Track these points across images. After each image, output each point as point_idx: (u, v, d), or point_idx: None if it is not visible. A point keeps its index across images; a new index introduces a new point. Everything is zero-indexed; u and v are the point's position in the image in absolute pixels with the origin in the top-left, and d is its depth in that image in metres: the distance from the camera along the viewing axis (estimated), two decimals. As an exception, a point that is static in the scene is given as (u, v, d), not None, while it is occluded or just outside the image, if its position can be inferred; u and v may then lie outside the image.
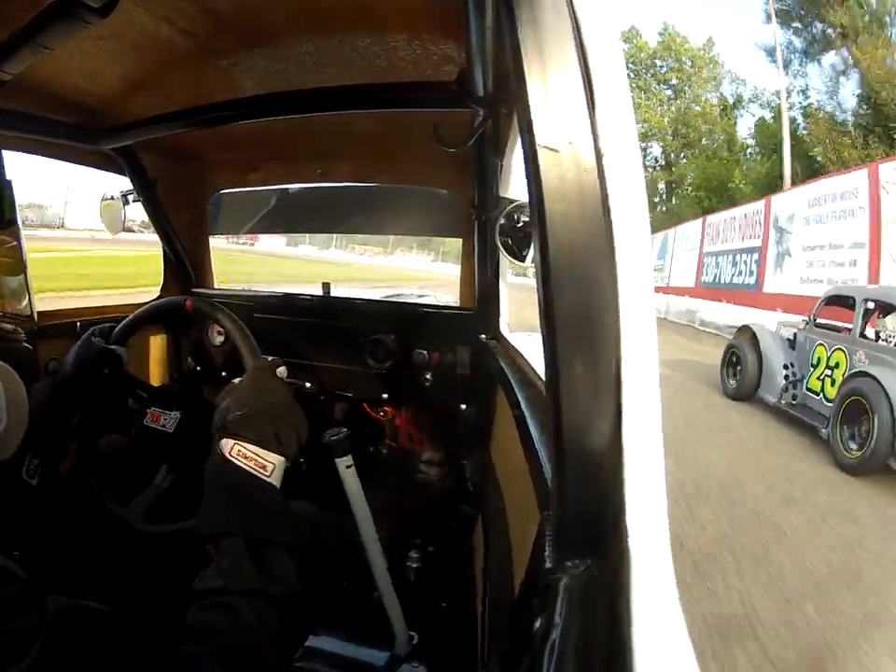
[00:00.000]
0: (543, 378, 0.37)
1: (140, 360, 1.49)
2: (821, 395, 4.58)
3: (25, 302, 1.25)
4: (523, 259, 1.04)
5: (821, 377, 4.61)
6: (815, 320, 4.99)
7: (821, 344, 4.71)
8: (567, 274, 0.33)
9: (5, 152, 1.19)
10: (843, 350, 4.43)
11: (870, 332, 4.41)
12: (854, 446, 3.92)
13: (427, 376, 1.43)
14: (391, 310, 1.71)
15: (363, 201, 1.74)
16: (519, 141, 0.36)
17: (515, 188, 1.19)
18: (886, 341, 4.21)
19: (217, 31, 0.81)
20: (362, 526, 1.08)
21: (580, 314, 0.34)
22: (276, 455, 0.67)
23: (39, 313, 1.29)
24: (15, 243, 1.24)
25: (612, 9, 0.32)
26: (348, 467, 1.06)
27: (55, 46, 0.75)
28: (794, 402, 4.91)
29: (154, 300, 1.30)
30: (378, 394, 1.48)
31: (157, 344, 1.59)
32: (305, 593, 0.66)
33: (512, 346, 1.23)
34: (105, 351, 1.04)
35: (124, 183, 1.43)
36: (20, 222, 1.25)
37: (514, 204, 1.05)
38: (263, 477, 0.65)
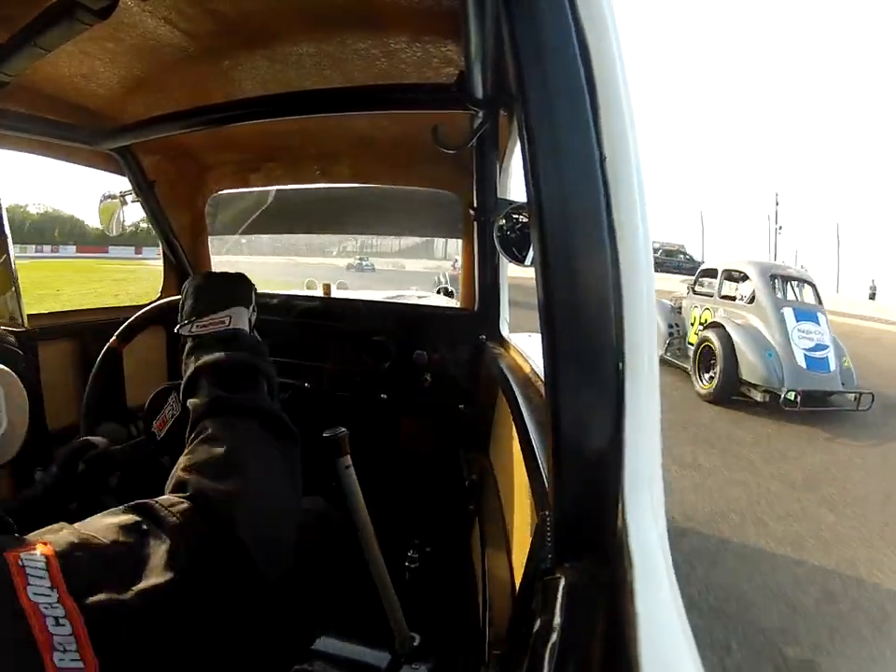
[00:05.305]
0: (543, 378, 0.37)
1: (138, 363, 1.47)
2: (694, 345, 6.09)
3: (16, 310, 1.21)
4: (522, 261, 1.04)
5: (697, 332, 6.03)
6: (693, 289, 6.53)
7: (696, 307, 6.28)
8: (567, 276, 0.33)
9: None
10: (709, 309, 5.95)
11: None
12: (705, 380, 5.37)
13: (427, 377, 1.43)
14: (391, 311, 1.70)
15: (363, 201, 1.73)
16: (519, 143, 0.36)
17: (515, 189, 1.19)
18: (739, 299, 5.80)
19: (218, 32, 0.81)
20: (361, 526, 1.08)
21: (580, 315, 0.34)
22: (227, 310, 0.68)
23: (31, 315, 1.25)
24: (4, 253, 1.19)
25: (614, 10, 0.32)
26: (347, 467, 1.06)
27: (55, 48, 0.75)
28: (679, 353, 6.37)
29: (156, 300, 1.28)
30: (377, 394, 1.48)
31: (155, 347, 1.58)
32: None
33: (513, 346, 1.23)
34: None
35: (123, 183, 1.43)
36: (7, 230, 1.20)
37: (513, 206, 1.05)
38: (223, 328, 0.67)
